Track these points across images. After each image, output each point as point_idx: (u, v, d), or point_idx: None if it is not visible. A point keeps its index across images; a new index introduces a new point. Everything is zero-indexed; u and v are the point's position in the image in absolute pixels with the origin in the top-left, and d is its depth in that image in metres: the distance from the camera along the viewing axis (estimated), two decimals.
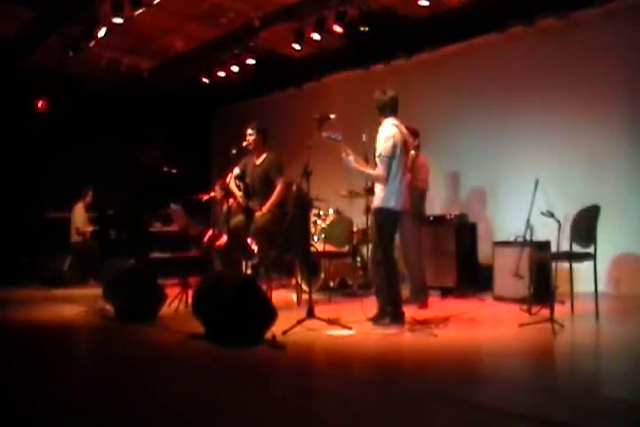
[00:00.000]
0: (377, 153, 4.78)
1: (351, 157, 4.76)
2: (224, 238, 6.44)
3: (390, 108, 4.91)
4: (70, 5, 7.39)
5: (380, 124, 4.92)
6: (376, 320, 4.83)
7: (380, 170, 4.75)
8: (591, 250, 4.97)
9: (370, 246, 7.64)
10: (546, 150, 7.21)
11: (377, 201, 4.82)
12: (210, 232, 7.71)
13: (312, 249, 6.86)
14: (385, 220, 4.81)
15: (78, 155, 9.82)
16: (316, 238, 7.46)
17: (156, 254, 9.50)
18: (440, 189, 8.01)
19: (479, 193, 7.85)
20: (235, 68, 8.93)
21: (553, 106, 7.22)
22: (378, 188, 4.86)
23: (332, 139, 4.82)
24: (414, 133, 5.97)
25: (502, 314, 5.51)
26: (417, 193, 5.98)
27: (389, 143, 4.73)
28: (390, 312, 4.77)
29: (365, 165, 5.02)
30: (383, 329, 4.65)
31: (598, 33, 6.89)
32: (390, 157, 4.72)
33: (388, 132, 4.79)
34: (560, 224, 4.79)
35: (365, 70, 9.14)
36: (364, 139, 5.94)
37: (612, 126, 6.77)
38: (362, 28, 7.27)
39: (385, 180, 4.74)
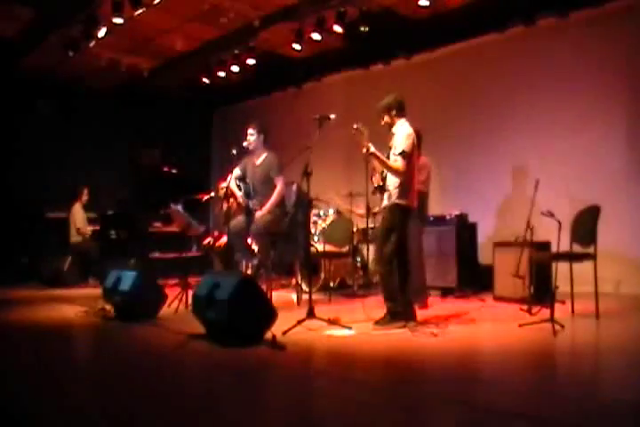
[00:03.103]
0: (398, 150, 4.72)
1: (370, 145, 4.68)
2: (224, 239, 6.43)
3: (401, 109, 4.90)
4: (70, 5, 7.39)
5: (389, 125, 4.88)
6: (382, 320, 4.80)
7: (400, 164, 4.69)
8: (591, 250, 4.97)
9: (369, 246, 7.72)
10: (546, 150, 7.22)
11: (393, 197, 4.77)
12: (210, 234, 7.71)
13: (312, 249, 6.86)
14: (401, 216, 4.76)
15: (78, 155, 9.84)
16: (316, 238, 7.47)
17: (155, 254, 9.49)
18: (440, 190, 8.01)
19: (479, 193, 7.85)
20: (235, 68, 8.93)
21: (553, 106, 7.23)
22: (392, 185, 4.79)
23: (359, 131, 4.77)
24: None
25: (502, 314, 5.50)
26: (418, 194, 5.96)
27: (410, 140, 4.73)
28: (390, 311, 4.76)
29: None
30: (383, 329, 4.64)
31: (598, 33, 6.90)
32: (411, 155, 4.72)
33: (408, 129, 4.79)
34: (560, 224, 4.79)
35: (365, 70, 9.15)
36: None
37: (612, 126, 6.78)
38: (362, 28, 7.28)
39: (404, 175, 4.71)
